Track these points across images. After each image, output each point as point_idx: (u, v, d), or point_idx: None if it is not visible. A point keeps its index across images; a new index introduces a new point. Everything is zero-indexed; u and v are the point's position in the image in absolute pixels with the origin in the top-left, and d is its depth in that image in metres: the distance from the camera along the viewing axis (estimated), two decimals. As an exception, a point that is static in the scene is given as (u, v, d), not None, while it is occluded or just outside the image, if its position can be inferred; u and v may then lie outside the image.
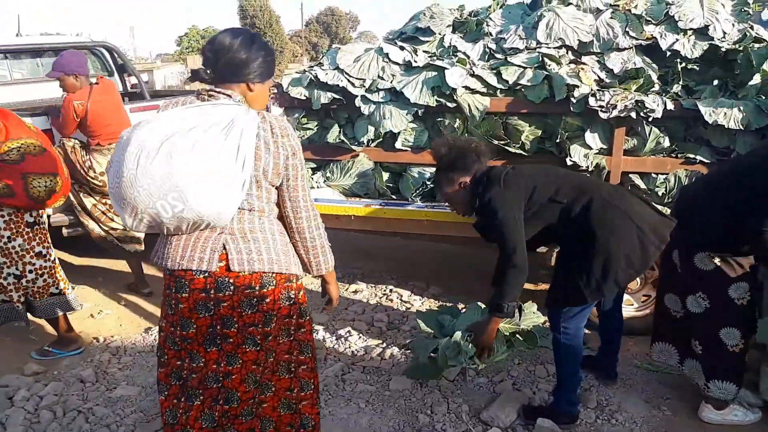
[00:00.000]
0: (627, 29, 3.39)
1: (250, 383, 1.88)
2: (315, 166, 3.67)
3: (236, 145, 1.70)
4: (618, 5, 3.52)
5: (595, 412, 2.69)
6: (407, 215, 3.44)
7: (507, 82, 3.26)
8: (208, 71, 1.81)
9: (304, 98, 3.50)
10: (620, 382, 2.92)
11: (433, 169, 3.40)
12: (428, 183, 3.44)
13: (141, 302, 4.01)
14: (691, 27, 3.29)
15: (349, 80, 3.50)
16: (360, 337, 3.40)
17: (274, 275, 1.85)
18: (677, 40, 3.28)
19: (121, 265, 4.39)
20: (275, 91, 3.60)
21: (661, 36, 3.32)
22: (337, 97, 3.48)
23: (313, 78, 3.51)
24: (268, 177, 1.81)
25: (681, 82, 3.20)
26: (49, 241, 3.20)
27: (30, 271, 3.11)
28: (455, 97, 3.24)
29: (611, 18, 3.42)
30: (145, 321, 3.75)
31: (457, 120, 3.35)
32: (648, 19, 3.43)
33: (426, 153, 3.45)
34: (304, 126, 3.64)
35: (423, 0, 4.08)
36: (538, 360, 3.11)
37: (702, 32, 3.29)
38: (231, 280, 1.80)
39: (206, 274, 1.80)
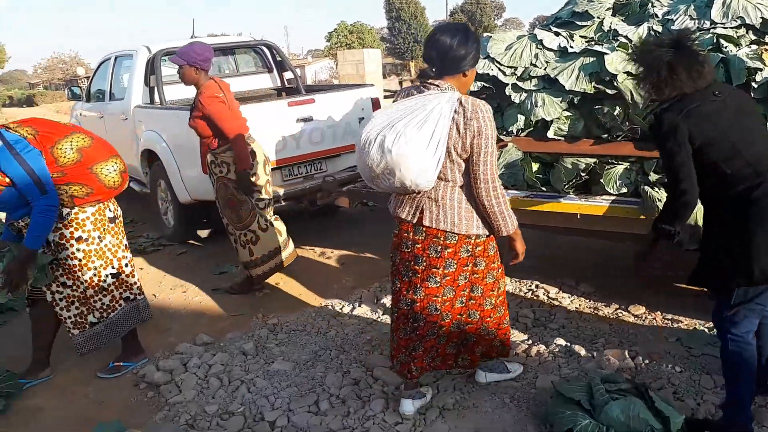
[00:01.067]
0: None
1: (432, 311, 2.50)
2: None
3: (431, 132, 2.22)
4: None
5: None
6: (558, 208, 3.29)
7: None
8: (433, 69, 2.32)
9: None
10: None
11: (589, 160, 3.25)
12: (582, 174, 3.27)
13: (296, 284, 4.27)
14: None
15: (499, 69, 3.42)
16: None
17: (457, 235, 2.39)
18: None
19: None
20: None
21: None
22: (487, 85, 3.42)
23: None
24: (458, 153, 2.29)
25: None
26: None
27: (126, 265, 3.14)
28: (616, 84, 3.04)
29: (806, -10, 3.00)
30: (300, 302, 3.99)
31: (617, 108, 3.14)
32: None
33: (581, 143, 3.28)
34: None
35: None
36: (704, 369, 2.84)
37: None
38: (423, 230, 2.43)
39: (409, 222, 2.44)
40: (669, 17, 3.30)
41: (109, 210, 3.08)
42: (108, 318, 3.09)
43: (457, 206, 2.38)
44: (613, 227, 3.24)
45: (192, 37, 5.92)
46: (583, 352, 3.04)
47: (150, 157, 5.31)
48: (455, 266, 2.46)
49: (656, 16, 3.38)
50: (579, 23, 3.55)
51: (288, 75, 6.49)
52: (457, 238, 2.41)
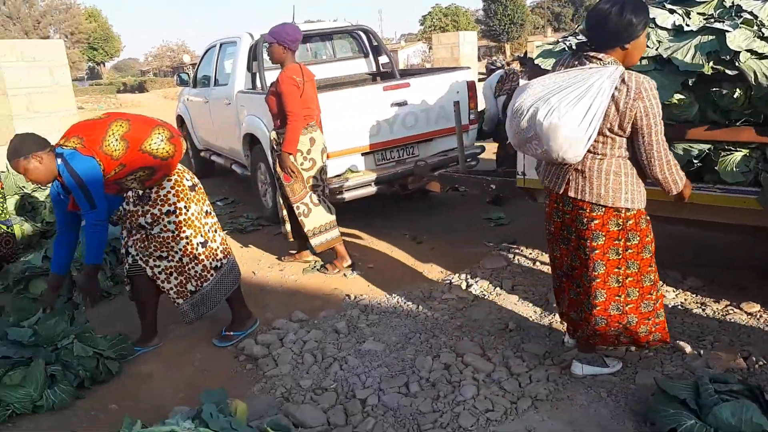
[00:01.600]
0: None
1: (585, 281, 2.54)
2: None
3: (586, 109, 2.21)
4: None
5: None
6: (664, 197, 3.09)
7: (810, 42, 2.70)
8: (588, 43, 2.34)
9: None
10: None
11: (703, 146, 3.02)
12: (695, 162, 3.05)
13: (387, 267, 4.32)
14: None
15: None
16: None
17: (603, 207, 2.40)
18: None
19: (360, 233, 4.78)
20: (524, 65, 3.51)
21: None
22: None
23: (567, 48, 3.34)
24: (614, 131, 2.31)
25: None
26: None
27: (209, 231, 3.25)
28: (737, 63, 2.80)
29: None
30: (391, 285, 4.03)
31: (737, 90, 2.89)
32: None
33: (696, 128, 3.06)
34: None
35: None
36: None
37: None
38: (570, 201, 2.47)
39: (557, 192, 2.51)
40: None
41: (186, 179, 3.19)
42: (203, 288, 3.27)
43: (604, 178, 2.38)
44: (727, 218, 3.02)
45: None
46: (688, 349, 2.86)
47: (251, 141, 5.53)
48: (603, 239, 2.46)
49: (787, -12, 3.06)
50: (696, 0, 3.29)
51: (383, 60, 6.52)
52: (603, 210, 2.41)
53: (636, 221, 2.45)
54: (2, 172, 5.06)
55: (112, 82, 41.49)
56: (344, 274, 4.23)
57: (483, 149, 5.60)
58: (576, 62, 2.36)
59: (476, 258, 4.34)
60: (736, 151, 2.95)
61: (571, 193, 2.44)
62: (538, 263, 4.15)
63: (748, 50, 2.81)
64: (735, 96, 2.91)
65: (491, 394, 2.66)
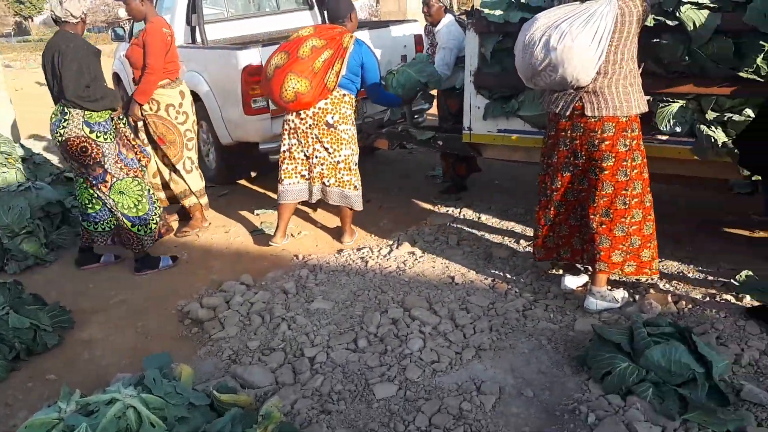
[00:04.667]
0: None
1: (591, 202, 2.74)
2: (508, 95, 3.50)
3: (594, 31, 2.49)
4: None
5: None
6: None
7: (743, -7, 2.74)
8: None
9: (502, 22, 3.30)
10: None
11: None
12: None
13: (335, 226, 4.29)
14: None
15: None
16: (542, 275, 3.29)
17: (613, 124, 2.63)
18: None
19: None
20: (470, 17, 3.46)
21: None
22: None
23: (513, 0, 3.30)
24: (619, 49, 2.57)
25: None
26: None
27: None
28: (678, 14, 2.82)
29: None
30: (338, 243, 4.01)
31: (677, 41, 2.92)
32: None
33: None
34: (497, 52, 3.45)
35: None
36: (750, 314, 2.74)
37: None
38: (581, 125, 2.66)
39: (566, 119, 2.70)
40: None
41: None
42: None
43: (615, 93, 2.62)
44: (665, 169, 3.10)
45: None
46: (624, 294, 2.97)
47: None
48: (613, 160, 2.66)
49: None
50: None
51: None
52: (614, 130, 2.64)
53: (638, 140, 2.71)
54: None
55: (41, 38, 39.07)
56: (292, 234, 4.16)
57: (430, 105, 5.56)
58: None
59: (423, 215, 4.36)
60: (673, 102, 3.01)
61: (587, 113, 2.64)
62: (482, 217, 4.21)
63: (689, 1, 2.83)
64: (674, 47, 2.93)
65: (437, 345, 2.71)
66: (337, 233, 4.15)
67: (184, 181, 4.16)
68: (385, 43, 5.10)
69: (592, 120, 2.65)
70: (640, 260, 2.81)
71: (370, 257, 3.70)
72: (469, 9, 3.38)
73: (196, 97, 5.14)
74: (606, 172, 2.68)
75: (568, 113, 2.70)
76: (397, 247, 3.80)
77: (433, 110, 5.46)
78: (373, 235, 4.09)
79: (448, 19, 4.24)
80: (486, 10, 3.32)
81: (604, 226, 2.75)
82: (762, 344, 2.53)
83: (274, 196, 4.20)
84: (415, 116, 5.12)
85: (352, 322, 2.97)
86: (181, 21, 5.52)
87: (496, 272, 3.38)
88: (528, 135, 3.45)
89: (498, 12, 3.29)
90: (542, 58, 2.55)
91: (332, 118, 3.59)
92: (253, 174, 5.47)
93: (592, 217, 2.75)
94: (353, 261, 3.68)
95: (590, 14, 2.50)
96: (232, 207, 4.80)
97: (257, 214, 4.59)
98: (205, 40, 5.12)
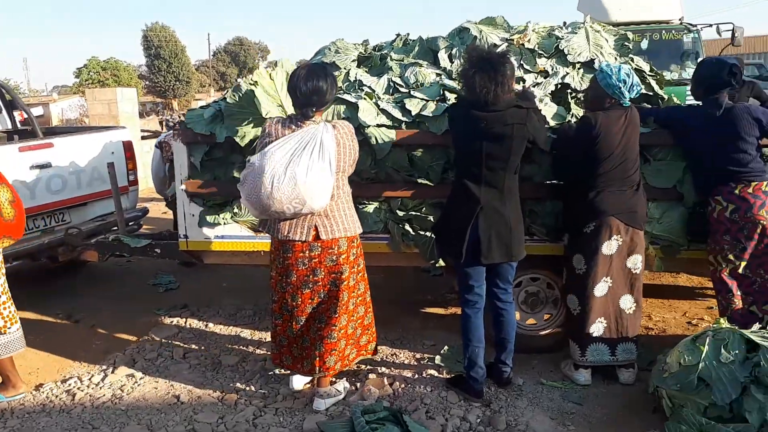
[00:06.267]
0: (522, 62, 3.57)
1: (332, 313, 2.89)
2: (221, 202, 3.55)
3: (329, 159, 2.71)
4: (513, 39, 3.71)
5: (505, 434, 2.74)
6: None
7: (410, 113, 3.31)
8: (313, 108, 2.78)
9: (209, 134, 3.40)
10: (527, 400, 3.01)
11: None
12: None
13: (35, 357, 3.70)
14: (579, 60, 3.51)
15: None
16: (272, 377, 3.30)
17: (346, 239, 2.87)
18: (567, 73, 3.48)
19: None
20: (178, 127, 3.48)
21: (552, 69, 3.53)
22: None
23: (217, 112, 3.42)
24: (346, 172, 2.88)
25: (572, 113, 3.39)
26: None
27: None
28: (363, 131, 3.26)
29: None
30: (39, 378, 3.46)
31: (366, 154, 3.36)
32: (540, 52, 3.63)
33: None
34: (208, 162, 3.51)
35: (331, 33, 4.12)
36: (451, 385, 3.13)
37: (589, 65, 3.52)
38: (319, 245, 2.84)
39: (303, 242, 2.83)
40: (405, 70, 3.67)
41: None
42: None
43: (344, 215, 2.87)
44: (369, 262, 3.44)
45: None
46: (345, 385, 3.12)
47: None
48: (348, 270, 2.89)
49: (393, 69, 3.72)
50: (328, 73, 3.75)
51: (21, 116, 5.73)
52: (347, 244, 2.87)
53: (360, 246, 3.00)
54: None
55: None
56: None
57: (146, 211, 5.32)
58: (293, 125, 2.78)
59: (145, 329, 4.05)
60: (369, 203, 3.42)
61: (322, 236, 2.81)
62: (210, 325, 4.09)
63: (375, 125, 3.28)
64: (363, 158, 3.36)
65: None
66: (39, 364, 3.57)
67: None
68: (91, 150, 4.80)
69: (327, 240, 2.84)
70: (359, 345, 3.07)
71: (78, 388, 3.26)
72: (178, 121, 3.42)
73: None
74: (344, 283, 2.88)
75: (309, 237, 2.82)
76: (112, 372, 3.43)
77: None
78: (81, 362, 3.62)
79: None
80: (192, 123, 3.39)
81: (342, 332, 2.93)
82: (461, 411, 2.89)
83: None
84: (130, 223, 4.84)
85: (56, 471, 2.55)
86: None
87: (226, 382, 3.27)
88: (246, 240, 3.52)
89: (201, 124, 3.38)
90: (290, 193, 2.64)
91: None
92: None
93: (334, 327, 2.89)
94: (56, 396, 3.19)
95: (320, 143, 2.69)
96: None
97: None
98: None
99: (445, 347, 3.52)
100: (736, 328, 2.72)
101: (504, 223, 2.84)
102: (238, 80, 3.57)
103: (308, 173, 2.65)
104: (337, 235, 2.83)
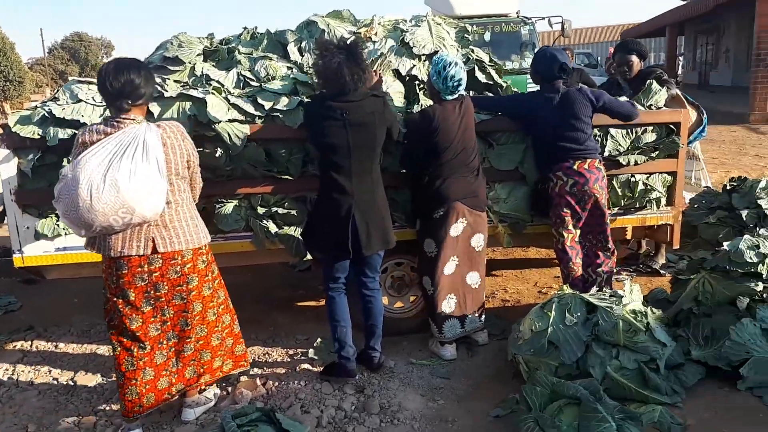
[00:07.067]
0: (370, 56, 3.63)
1: (183, 326, 2.65)
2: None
3: (155, 161, 2.41)
4: (360, 32, 3.76)
5: (378, 416, 2.81)
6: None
7: (263, 107, 3.25)
8: (128, 101, 2.47)
9: (38, 137, 3.08)
10: (399, 381, 3.11)
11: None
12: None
13: None
14: (423, 53, 3.65)
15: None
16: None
17: (190, 249, 2.59)
18: (414, 65, 3.61)
19: None
20: (2, 131, 3.12)
21: (400, 62, 3.63)
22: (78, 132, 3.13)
23: (47, 114, 3.11)
24: (180, 174, 2.55)
25: (421, 102, 3.53)
26: None
27: None
28: (214, 127, 3.14)
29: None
30: None
31: (218, 149, 3.24)
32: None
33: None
34: (40, 168, 3.18)
35: (175, 27, 3.91)
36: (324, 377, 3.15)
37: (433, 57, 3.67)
38: (159, 257, 2.54)
39: (140, 256, 2.51)
40: (255, 63, 3.58)
41: None
42: None
43: (185, 225, 2.59)
44: (234, 262, 3.36)
45: None
46: (216, 391, 3.02)
47: None
48: (197, 280, 2.65)
49: (242, 63, 3.62)
50: (171, 68, 3.55)
51: None
52: (192, 253, 2.61)
53: (210, 252, 2.75)
54: None
55: None
56: None
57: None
58: (109, 128, 2.46)
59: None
60: (228, 202, 3.31)
61: (160, 249, 2.52)
62: (61, 345, 3.74)
63: (226, 120, 3.17)
64: (218, 154, 3.24)
65: None
66: None
67: None
68: None
69: (168, 251, 2.56)
70: (235, 356, 2.91)
71: None
72: (1, 125, 3.08)
73: None
74: (194, 293, 2.65)
75: (147, 251, 2.52)
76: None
77: None
78: None
79: None
80: (18, 126, 3.05)
81: (201, 343, 2.73)
82: (335, 401, 2.92)
83: None
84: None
85: None
86: None
87: (82, 405, 3.02)
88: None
89: (31, 128, 3.07)
90: (113, 201, 2.33)
91: None
92: None
93: (188, 340, 2.69)
94: None
95: (143, 144, 2.41)
96: None
97: None
98: None
99: (318, 339, 3.52)
100: (577, 293, 3.01)
101: (377, 212, 2.94)
102: (70, 79, 3.30)
103: (131, 177, 2.35)
104: (177, 248, 2.55)
